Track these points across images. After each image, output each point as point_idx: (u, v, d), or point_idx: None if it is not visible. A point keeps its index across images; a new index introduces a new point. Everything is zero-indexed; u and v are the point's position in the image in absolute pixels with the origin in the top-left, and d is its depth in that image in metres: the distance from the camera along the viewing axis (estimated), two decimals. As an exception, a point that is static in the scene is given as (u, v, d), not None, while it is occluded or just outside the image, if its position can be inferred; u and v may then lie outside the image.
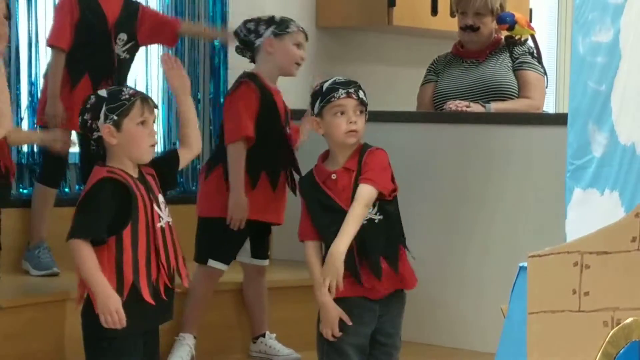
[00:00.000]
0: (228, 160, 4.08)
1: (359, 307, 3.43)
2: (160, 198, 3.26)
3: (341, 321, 3.41)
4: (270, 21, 4.23)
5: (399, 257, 3.47)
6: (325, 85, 3.45)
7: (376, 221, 3.42)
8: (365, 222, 3.40)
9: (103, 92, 3.24)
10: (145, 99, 3.22)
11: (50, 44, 4.42)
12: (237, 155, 4.07)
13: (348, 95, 3.42)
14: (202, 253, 4.18)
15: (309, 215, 3.44)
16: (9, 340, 3.81)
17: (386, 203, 3.44)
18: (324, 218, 3.41)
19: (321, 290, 3.36)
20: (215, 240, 4.16)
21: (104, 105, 3.18)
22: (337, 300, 3.39)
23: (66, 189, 4.79)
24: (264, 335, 4.29)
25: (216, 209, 4.12)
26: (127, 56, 4.48)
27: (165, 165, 3.36)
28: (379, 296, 3.46)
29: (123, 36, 4.43)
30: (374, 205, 3.41)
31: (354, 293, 3.41)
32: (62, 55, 4.35)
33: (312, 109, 3.47)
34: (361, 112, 3.45)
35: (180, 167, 3.41)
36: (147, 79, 5.09)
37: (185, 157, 3.42)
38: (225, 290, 4.36)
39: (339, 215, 3.37)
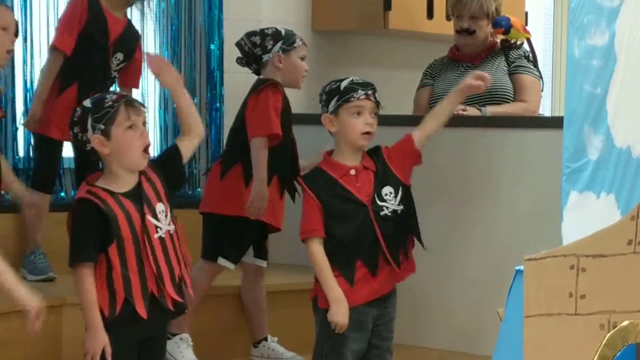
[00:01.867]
0: (252, 154, 4.08)
1: (360, 314, 3.45)
2: (160, 207, 3.22)
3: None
4: (277, 36, 4.26)
5: (411, 246, 3.58)
6: (343, 84, 3.51)
7: (399, 212, 3.50)
8: (390, 214, 3.47)
9: (87, 103, 3.22)
10: (129, 101, 3.20)
11: (54, 45, 4.39)
12: (261, 149, 4.08)
13: (367, 96, 3.50)
14: (211, 250, 4.18)
15: (320, 210, 3.45)
16: (5, 346, 3.80)
17: (407, 192, 3.52)
18: (343, 210, 3.45)
19: (333, 289, 3.41)
20: (229, 239, 4.17)
21: (90, 116, 3.17)
22: None
23: (62, 194, 4.78)
24: (266, 339, 4.29)
25: (233, 207, 4.13)
26: (116, 75, 4.47)
27: (169, 163, 3.34)
28: (383, 292, 3.51)
29: (120, 56, 4.42)
30: (396, 196, 3.49)
31: (361, 300, 3.45)
32: (61, 58, 4.33)
33: (327, 105, 3.52)
34: (375, 114, 3.51)
35: (185, 159, 3.37)
36: (143, 83, 5.08)
37: (190, 146, 3.37)
38: (224, 295, 4.36)
39: (359, 208, 3.44)
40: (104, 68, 4.39)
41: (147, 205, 3.20)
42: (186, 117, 3.38)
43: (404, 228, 3.53)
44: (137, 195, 3.20)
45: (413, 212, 3.55)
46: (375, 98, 3.51)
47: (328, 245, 3.45)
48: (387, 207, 3.49)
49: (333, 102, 3.50)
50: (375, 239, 3.46)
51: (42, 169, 4.49)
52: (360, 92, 3.48)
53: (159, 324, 3.28)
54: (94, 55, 4.37)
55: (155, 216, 3.20)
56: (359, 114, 3.48)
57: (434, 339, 4.62)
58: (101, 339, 3.11)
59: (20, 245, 4.51)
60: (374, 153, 3.56)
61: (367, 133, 3.48)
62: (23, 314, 3.09)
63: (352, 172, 3.49)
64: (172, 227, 3.24)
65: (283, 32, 4.29)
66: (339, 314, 3.40)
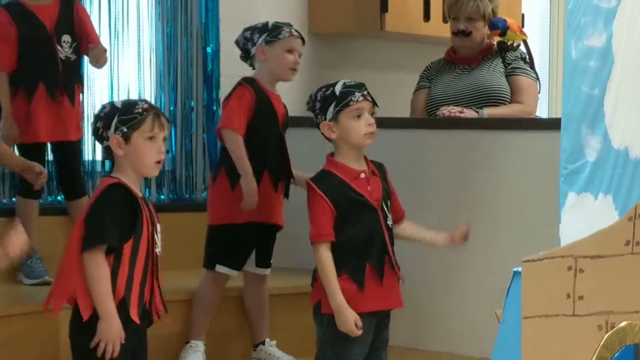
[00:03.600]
0: (229, 150, 4.07)
1: (366, 320, 3.46)
2: (159, 227, 3.25)
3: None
4: (263, 28, 4.22)
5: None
6: (338, 89, 3.49)
7: (392, 229, 3.54)
8: (391, 227, 3.51)
9: (118, 103, 3.27)
10: (157, 114, 3.23)
11: None
12: (234, 142, 4.05)
13: (364, 97, 3.49)
14: (210, 259, 4.18)
15: (331, 214, 3.43)
16: (1, 350, 3.79)
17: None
18: (356, 213, 3.44)
19: (336, 295, 3.39)
20: (225, 247, 4.15)
21: (117, 116, 3.20)
22: None
23: (59, 197, 4.77)
24: (263, 343, 4.28)
25: (224, 216, 4.14)
26: (75, 57, 4.46)
27: None
28: (388, 306, 3.53)
29: (67, 38, 4.42)
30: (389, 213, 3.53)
31: (369, 307, 3.46)
32: (2, 75, 4.37)
33: (323, 113, 3.50)
34: (373, 113, 3.52)
35: None
36: (139, 88, 5.08)
37: None
38: (226, 297, 4.34)
39: (371, 212, 3.46)
40: (55, 58, 4.39)
41: (152, 219, 3.23)
42: None
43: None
44: (147, 204, 3.24)
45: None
46: (371, 97, 3.51)
47: (338, 249, 3.44)
48: (389, 218, 3.52)
49: (331, 109, 3.48)
50: (383, 243, 3.48)
51: None
52: (357, 94, 3.48)
53: (144, 333, 3.26)
54: (43, 52, 4.39)
55: (156, 231, 3.23)
56: (359, 116, 3.48)
57: (433, 341, 4.62)
58: (117, 328, 3.09)
59: (17, 250, 4.50)
60: (378, 165, 3.58)
61: (371, 133, 3.49)
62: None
63: (363, 175, 3.49)
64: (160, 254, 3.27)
65: (270, 24, 4.22)
66: (346, 322, 3.39)
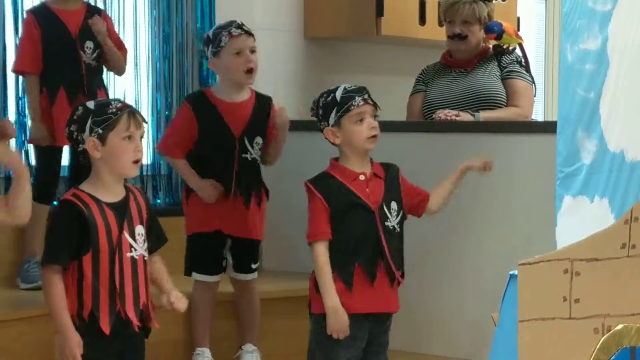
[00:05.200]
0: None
1: (356, 323, 3.45)
2: (139, 229, 3.19)
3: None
4: (207, 40, 4.17)
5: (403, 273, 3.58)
6: (339, 94, 3.50)
7: (397, 231, 3.53)
8: (391, 227, 3.51)
9: (91, 104, 3.20)
10: (132, 113, 3.16)
11: (15, 70, 4.49)
12: (172, 164, 4.38)
13: (365, 101, 3.50)
14: (186, 268, 4.22)
15: (327, 214, 3.45)
16: (-2, 354, 3.80)
17: (403, 220, 3.57)
18: (350, 215, 3.45)
19: (330, 295, 3.40)
20: (194, 254, 4.19)
21: (90, 118, 3.14)
22: None
23: (55, 202, 4.77)
24: (241, 348, 4.28)
25: (188, 226, 4.20)
26: (96, 64, 4.48)
27: (155, 232, 3.31)
28: (380, 309, 3.52)
29: (89, 44, 4.44)
30: (397, 215, 3.53)
31: (358, 308, 3.45)
32: (32, 78, 4.41)
33: (326, 119, 3.51)
34: (376, 116, 3.52)
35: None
36: (136, 91, 5.08)
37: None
38: (219, 301, 4.34)
39: (366, 213, 3.46)
40: (77, 63, 4.41)
41: (128, 221, 3.17)
42: None
43: (399, 249, 3.55)
44: (121, 208, 3.17)
45: (403, 239, 3.57)
46: (372, 100, 3.53)
47: (330, 247, 3.45)
48: (390, 220, 3.51)
49: (333, 115, 3.50)
50: (377, 245, 3.47)
51: (44, 180, 4.51)
52: (358, 98, 3.50)
53: (125, 341, 3.19)
54: (65, 55, 4.41)
55: (132, 235, 3.17)
56: (361, 120, 3.49)
57: (429, 344, 4.61)
58: (73, 342, 3.07)
59: (18, 255, 4.50)
60: (388, 166, 3.59)
61: (374, 136, 3.50)
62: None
63: (362, 177, 3.51)
64: (147, 254, 3.22)
65: (211, 33, 4.16)
66: (336, 324, 3.40)
